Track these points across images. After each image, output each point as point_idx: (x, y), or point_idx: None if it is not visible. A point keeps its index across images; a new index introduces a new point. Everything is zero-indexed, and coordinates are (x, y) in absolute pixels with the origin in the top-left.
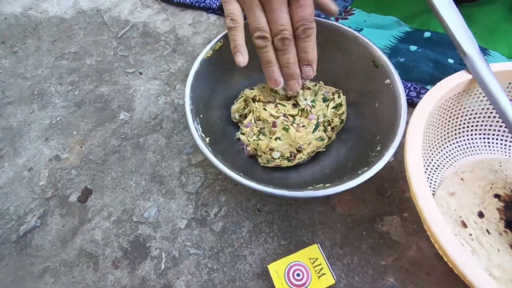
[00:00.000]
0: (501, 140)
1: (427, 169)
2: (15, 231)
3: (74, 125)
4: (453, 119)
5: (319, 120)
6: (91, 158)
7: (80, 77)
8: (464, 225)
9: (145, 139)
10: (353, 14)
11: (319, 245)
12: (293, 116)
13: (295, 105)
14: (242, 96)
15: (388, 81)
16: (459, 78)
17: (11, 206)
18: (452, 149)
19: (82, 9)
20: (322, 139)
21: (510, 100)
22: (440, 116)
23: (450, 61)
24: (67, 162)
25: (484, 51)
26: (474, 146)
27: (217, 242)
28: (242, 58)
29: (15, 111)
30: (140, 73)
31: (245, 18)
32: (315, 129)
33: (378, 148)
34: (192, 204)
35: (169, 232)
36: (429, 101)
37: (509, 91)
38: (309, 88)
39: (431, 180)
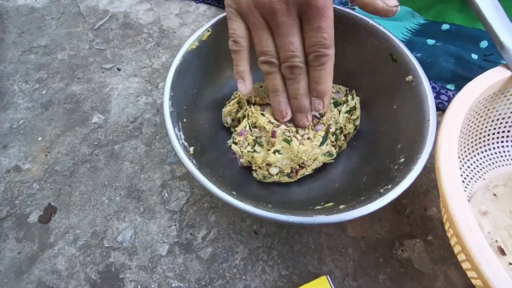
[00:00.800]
0: None
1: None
2: None
3: (39, 129)
4: (483, 125)
5: (330, 130)
6: (57, 169)
7: (49, 74)
8: (502, 251)
9: (122, 146)
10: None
11: (328, 276)
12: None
13: None
14: (236, 97)
15: (410, 78)
16: (497, 75)
17: None
18: (482, 158)
19: None
20: (330, 154)
21: None
22: (469, 120)
23: (474, 56)
24: (29, 173)
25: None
26: (507, 155)
27: (205, 272)
28: (244, 86)
29: None
30: (118, 69)
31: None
32: (322, 143)
33: (402, 160)
34: (175, 225)
35: (147, 260)
36: (463, 103)
37: None
38: None
39: None
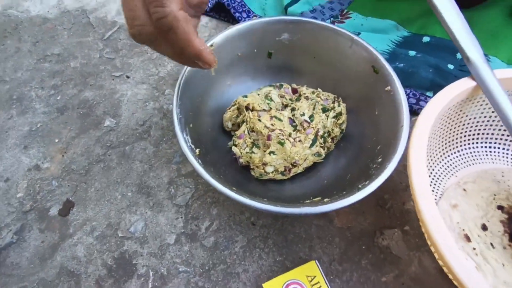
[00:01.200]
0: (504, 149)
1: (433, 176)
2: None
3: (56, 132)
4: (455, 128)
5: (318, 133)
6: (73, 168)
7: (63, 80)
8: (468, 239)
9: (132, 147)
10: (350, 17)
11: (316, 261)
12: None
13: (292, 119)
14: (235, 104)
15: (388, 88)
16: (463, 85)
17: None
18: (454, 158)
19: (67, 8)
20: (319, 154)
21: None
22: (442, 124)
23: (450, 66)
24: (48, 172)
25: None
26: (476, 155)
27: (209, 258)
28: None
29: None
30: (127, 77)
31: None
32: (312, 144)
33: (379, 160)
34: (181, 217)
35: (157, 248)
36: (432, 109)
37: None
38: (307, 98)
39: (433, 191)
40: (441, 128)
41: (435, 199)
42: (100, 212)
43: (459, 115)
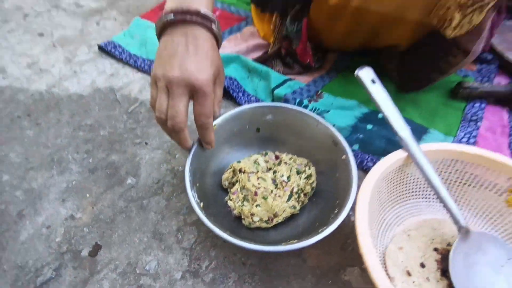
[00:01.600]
0: (439, 203)
1: (380, 227)
2: (33, 282)
3: (87, 188)
4: (400, 185)
5: (293, 191)
6: (101, 218)
7: (94, 146)
8: (409, 274)
9: (148, 201)
10: (322, 97)
11: None
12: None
13: (274, 179)
14: (231, 167)
15: (344, 157)
16: (397, 155)
17: (30, 260)
18: (401, 210)
19: (98, 87)
20: (294, 207)
21: (439, 175)
22: (388, 183)
23: (397, 138)
24: (80, 221)
25: (425, 129)
26: (418, 208)
27: None
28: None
29: (36, 175)
30: (146, 144)
31: None
32: (288, 199)
33: (336, 211)
34: (186, 258)
35: (167, 283)
36: (373, 176)
37: (441, 165)
38: (285, 163)
39: (384, 236)
40: (388, 186)
41: (386, 243)
42: (122, 253)
43: (402, 175)
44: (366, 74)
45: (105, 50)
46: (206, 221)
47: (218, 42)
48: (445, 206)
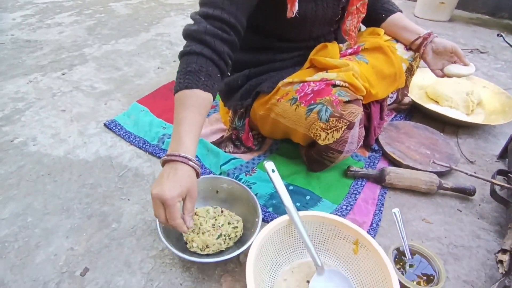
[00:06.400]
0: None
1: (275, 265)
2: None
3: (84, 229)
4: (289, 237)
5: (222, 234)
6: (91, 250)
7: (92, 200)
8: None
9: (124, 240)
10: (256, 172)
11: None
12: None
13: (213, 224)
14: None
15: (257, 219)
16: (283, 219)
17: (41, 276)
18: (290, 253)
19: (100, 155)
20: (220, 244)
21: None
22: (281, 235)
23: (298, 204)
24: (77, 251)
25: (320, 199)
26: (301, 253)
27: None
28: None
29: (50, 218)
30: (128, 200)
31: None
32: (218, 238)
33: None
34: (144, 279)
35: None
36: (264, 231)
37: (316, 224)
38: (224, 216)
39: (276, 270)
40: (281, 237)
41: (276, 276)
42: (102, 274)
43: (288, 231)
44: (269, 166)
45: (108, 127)
46: (161, 237)
47: (197, 171)
48: (308, 251)
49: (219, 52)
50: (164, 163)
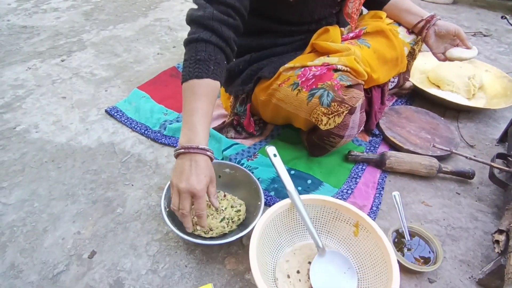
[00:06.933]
0: None
1: (277, 247)
2: (51, 272)
3: (90, 214)
4: (291, 220)
5: (225, 217)
6: (98, 234)
7: (96, 185)
8: (288, 276)
9: (130, 224)
10: (257, 157)
11: (212, 284)
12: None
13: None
14: None
15: (259, 203)
16: (285, 202)
17: (50, 259)
18: (292, 236)
19: (103, 142)
20: (224, 227)
21: (316, 213)
22: (283, 218)
23: (299, 188)
24: (84, 235)
25: (321, 183)
26: (303, 235)
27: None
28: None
29: (56, 204)
30: (132, 185)
31: None
32: (221, 221)
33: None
34: (150, 261)
35: (136, 276)
36: (267, 214)
37: (317, 208)
38: (227, 200)
39: (278, 252)
40: (283, 220)
41: (278, 257)
42: (109, 257)
43: (291, 214)
44: (270, 150)
45: (109, 113)
46: (174, 230)
47: (212, 159)
48: (309, 233)
49: (226, 39)
50: (179, 154)
